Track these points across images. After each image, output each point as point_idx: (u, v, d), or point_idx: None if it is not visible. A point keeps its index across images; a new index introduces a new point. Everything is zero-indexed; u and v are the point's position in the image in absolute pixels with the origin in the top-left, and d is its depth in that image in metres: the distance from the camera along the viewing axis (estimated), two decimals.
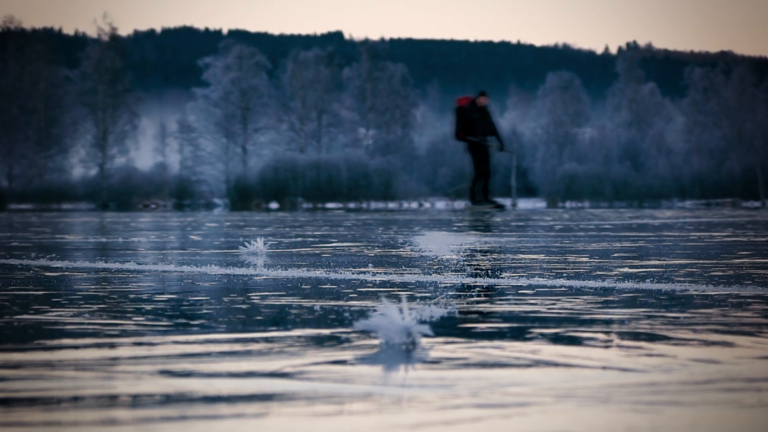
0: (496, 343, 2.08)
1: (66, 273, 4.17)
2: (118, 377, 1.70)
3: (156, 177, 56.67)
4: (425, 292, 3.19)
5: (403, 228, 10.11)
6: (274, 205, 50.57)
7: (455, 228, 10.25)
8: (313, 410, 1.43)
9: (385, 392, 1.56)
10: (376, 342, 2.06)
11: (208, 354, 1.95)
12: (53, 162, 56.56)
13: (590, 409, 1.43)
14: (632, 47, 76.77)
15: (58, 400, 1.50)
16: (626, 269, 4.15)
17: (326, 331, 2.27)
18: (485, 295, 3.14)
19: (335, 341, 2.11)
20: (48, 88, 56.61)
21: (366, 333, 2.17)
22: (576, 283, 3.43)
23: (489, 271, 4.16)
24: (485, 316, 2.58)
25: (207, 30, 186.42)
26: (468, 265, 4.52)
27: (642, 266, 4.35)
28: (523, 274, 3.99)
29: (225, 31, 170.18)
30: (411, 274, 3.95)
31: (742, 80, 61.04)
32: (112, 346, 2.08)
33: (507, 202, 53.87)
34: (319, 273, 3.99)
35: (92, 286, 3.61)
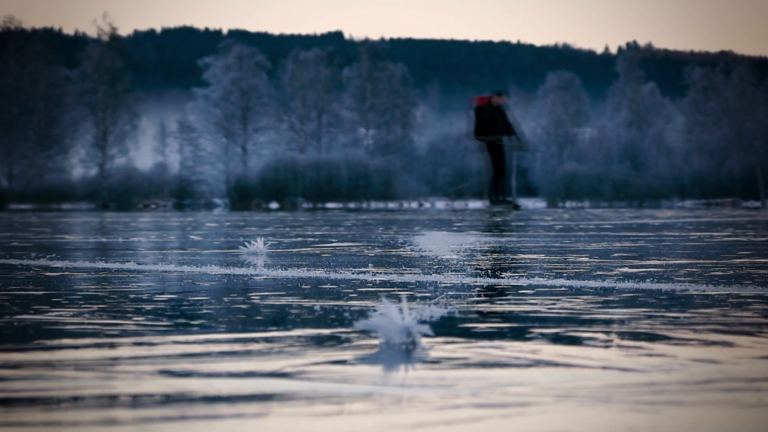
0: (496, 343, 2.08)
1: (66, 273, 4.17)
2: (118, 377, 1.70)
3: (156, 177, 56.67)
4: (425, 292, 3.19)
5: (403, 228, 10.11)
6: (274, 205, 50.57)
7: (455, 228, 10.25)
8: (313, 410, 1.43)
9: (385, 392, 1.56)
10: (376, 342, 2.06)
11: (208, 354, 1.95)
12: (53, 162, 56.57)
13: (590, 409, 1.43)
14: (632, 47, 76.78)
15: (58, 400, 1.50)
16: (626, 269, 4.15)
17: (326, 331, 2.27)
18: (485, 295, 3.14)
19: (335, 341, 2.11)
20: (48, 88, 56.61)
21: (366, 333, 2.17)
22: (576, 283, 3.43)
23: (489, 271, 4.16)
24: (485, 316, 2.58)
25: (207, 30, 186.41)
26: (468, 265, 4.52)
27: (642, 266, 4.35)
28: (523, 274, 3.99)
29: (225, 31, 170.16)
30: (411, 274, 3.95)
31: (742, 80, 61.04)
32: (112, 346, 2.08)
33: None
34: (319, 273, 3.99)
35: (92, 286, 3.61)
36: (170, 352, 1.97)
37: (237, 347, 2.03)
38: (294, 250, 6.03)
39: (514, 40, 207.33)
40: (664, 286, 3.30)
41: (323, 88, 59.79)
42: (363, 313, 2.53)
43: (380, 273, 4.00)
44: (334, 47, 63.25)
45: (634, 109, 63.47)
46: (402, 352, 1.95)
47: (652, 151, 60.34)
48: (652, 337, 2.14)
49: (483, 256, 5.31)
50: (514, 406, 1.45)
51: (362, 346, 2.03)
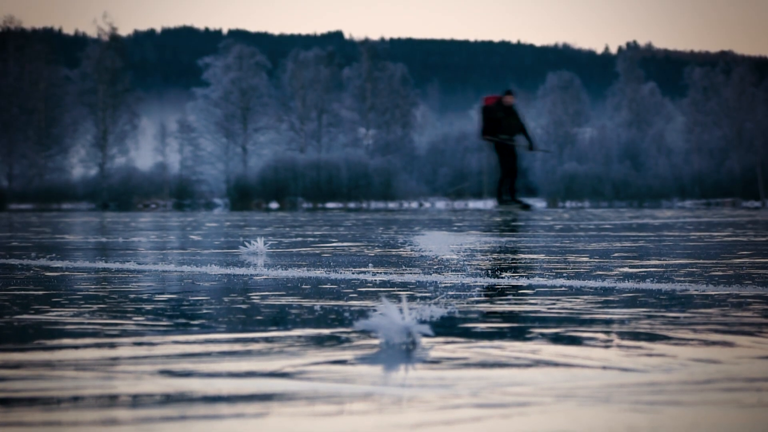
0: (496, 342, 2.08)
1: (66, 273, 4.17)
2: (118, 377, 1.70)
3: (156, 177, 56.68)
4: (425, 292, 3.19)
5: (403, 228, 10.11)
6: (274, 205, 50.58)
7: (455, 228, 10.25)
8: (313, 410, 1.43)
9: (385, 392, 1.56)
10: (376, 342, 2.06)
11: (208, 354, 1.95)
12: (53, 162, 56.58)
13: (590, 409, 1.43)
14: (632, 47, 76.80)
15: (58, 400, 1.50)
16: (626, 269, 4.15)
17: (326, 331, 2.27)
18: (485, 295, 3.14)
19: (335, 341, 2.11)
20: (48, 88, 56.62)
21: (366, 333, 2.17)
22: (576, 283, 3.43)
23: (489, 271, 4.16)
24: (485, 316, 2.58)
25: (207, 30, 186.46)
26: (468, 265, 4.52)
27: (642, 266, 4.35)
28: (523, 274, 3.99)
29: (225, 31, 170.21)
30: (411, 273, 3.95)
31: (742, 80, 61.04)
32: (112, 346, 2.08)
33: None
34: (319, 273, 3.99)
35: (92, 286, 3.61)
36: (170, 352, 1.97)
37: (237, 347, 2.03)
38: (294, 250, 6.03)
39: (514, 40, 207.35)
40: (664, 286, 3.30)
41: (323, 88, 59.80)
42: (363, 313, 2.53)
43: (380, 273, 4.00)
44: (334, 47, 63.25)
45: (634, 109, 63.48)
46: (402, 352, 1.95)
47: (652, 151, 60.34)
48: (652, 337, 2.14)
49: (483, 256, 5.31)
50: (514, 406, 1.45)
51: (362, 346, 2.03)
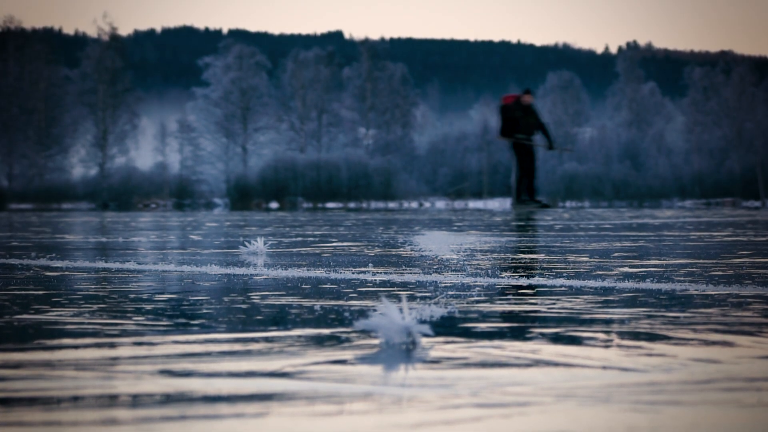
0: (496, 342, 2.08)
1: (66, 273, 4.17)
2: (118, 377, 1.70)
3: (156, 177, 56.69)
4: (425, 292, 3.19)
5: (403, 228, 10.11)
6: (274, 205, 50.58)
7: (455, 228, 10.25)
8: (313, 410, 1.43)
9: (385, 392, 1.56)
10: (376, 342, 2.06)
11: (208, 354, 1.95)
12: (53, 162, 56.58)
13: (590, 409, 1.43)
14: (632, 47, 76.74)
15: (58, 400, 1.50)
16: (626, 269, 4.15)
17: (326, 331, 2.27)
18: (485, 295, 3.14)
19: (335, 341, 2.11)
20: (48, 88, 56.63)
21: (366, 333, 2.17)
22: (576, 283, 3.43)
23: (489, 270, 4.16)
24: (485, 316, 2.58)
25: (207, 30, 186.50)
26: (468, 265, 4.52)
27: (642, 266, 4.35)
28: (523, 274, 3.99)
29: (225, 31, 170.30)
30: (411, 273, 3.95)
31: (742, 80, 61.05)
32: (112, 345, 2.08)
33: (507, 201, 53.90)
34: (319, 273, 3.99)
35: (92, 286, 3.61)
36: (170, 352, 1.97)
37: (237, 347, 2.03)
38: (294, 249, 6.03)
39: (514, 40, 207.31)
40: (664, 286, 3.30)
41: (323, 87, 59.80)
42: (363, 313, 2.53)
43: (380, 273, 4.00)
44: (334, 47, 63.26)
45: (634, 109, 63.49)
46: (402, 351, 1.95)
47: (652, 151, 60.35)
48: (652, 337, 2.14)
49: (483, 256, 5.31)
50: (514, 406, 1.45)
51: (362, 345, 2.03)
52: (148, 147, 60.50)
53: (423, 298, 3.01)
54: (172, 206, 49.59)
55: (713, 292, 3.11)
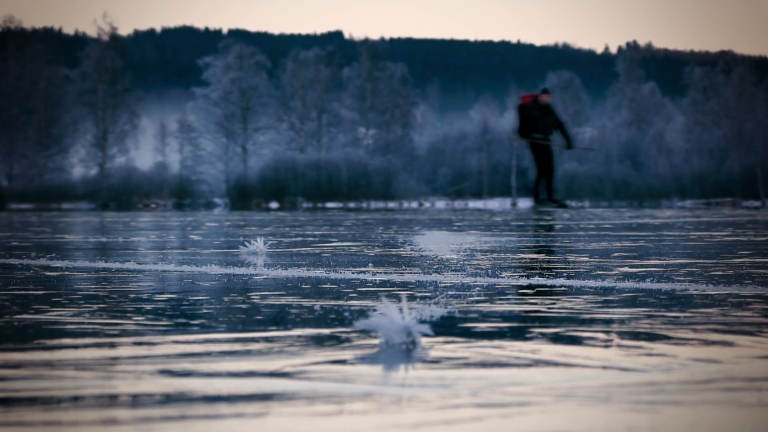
0: (496, 342, 2.08)
1: (66, 273, 4.17)
2: (118, 377, 1.70)
3: (156, 177, 56.69)
4: (425, 292, 3.19)
5: (403, 227, 10.11)
6: (274, 205, 50.57)
7: (455, 228, 10.25)
8: (313, 410, 1.43)
9: (385, 392, 1.56)
10: (376, 342, 2.06)
11: (208, 354, 1.95)
12: (53, 162, 56.59)
13: (590, 409, 1.43)
14: (632, 47, 76.74)
15: (58, 400, 1.50)
16: (626, 269, 4.15)
17: (326, 331, 2.27)
18: (485, 295, 3.14)
19: (335, 341, 2.11)
20: (48, 88, 56.64)
21: (366, 332, 2.17)
22: (576, 283, 3.43)
23: (489, 270, 4.15)
24: (485, 316, 2.58)
25: (207, 30, 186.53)
26: (468, 265, 4.52)
27: (642, 266, 4.35)
28: (523, 273, 3.99)
29: (225, 30, 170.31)
30: (411, 273, 3.95)
31: (742, 80, 61.05)
32: (112, 345, 2.08)
33: (507, 201, 53.93)
34: (319, 273, 3.99)
35: (92, 286, 3.61)
36: (170, 351, 1.97)
37: (237, 347, 2.03)
38: (294, 249, 6.03)
39: (514, 40, 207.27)
40: (664, 286, 3.30)
41: (323, 87, 59.80)
42: (363, 313, 2.53)
43: (380, 273, 4.00)
44: (334, 47, 63.27)
45: (634, 108, 63.49)
46: (402, 351, 1.95)
47: (652, 150, 60.35)
48: (652, 337, 2.14)
49: (483, 255, 5.31)
50: (514, 405, 1.45)
51: (362, 345, 2.03)
52: (148, 147, 60.52)
53: (423, 298, 3.01)
54: (172, 206, 49.59)
55: (713, 292, 3.11)
